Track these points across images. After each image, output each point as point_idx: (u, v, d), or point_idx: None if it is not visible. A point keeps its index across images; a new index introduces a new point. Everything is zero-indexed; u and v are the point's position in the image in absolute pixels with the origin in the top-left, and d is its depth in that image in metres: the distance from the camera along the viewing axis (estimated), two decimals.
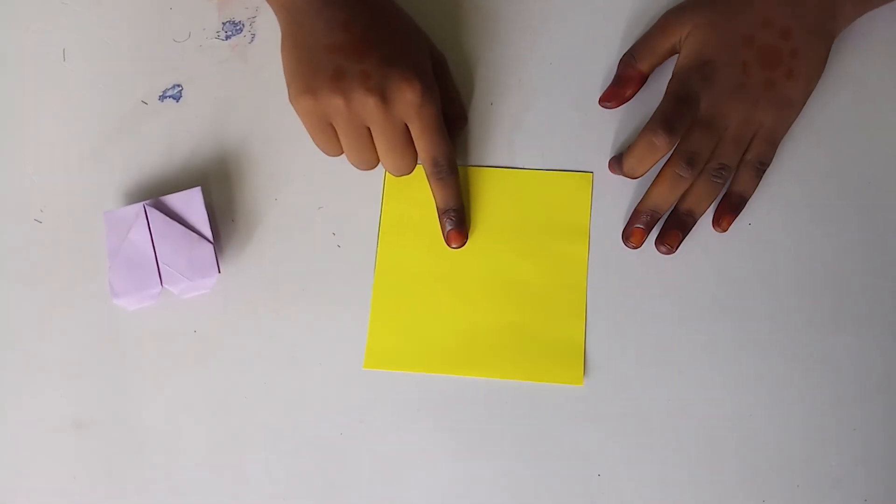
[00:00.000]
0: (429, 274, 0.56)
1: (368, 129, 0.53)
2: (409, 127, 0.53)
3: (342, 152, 0.55)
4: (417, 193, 0.57)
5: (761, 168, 0.55)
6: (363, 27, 0.52)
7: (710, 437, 0.54)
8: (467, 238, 0.57)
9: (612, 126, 0.59)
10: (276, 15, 0.55)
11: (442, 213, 0.56)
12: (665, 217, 0.56)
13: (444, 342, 0.55)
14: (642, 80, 0.58)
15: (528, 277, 0.56)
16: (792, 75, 0.55)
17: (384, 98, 0.51)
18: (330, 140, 0.54)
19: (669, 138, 0.53)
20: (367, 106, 0.51)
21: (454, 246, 0.56)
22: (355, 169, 0.56)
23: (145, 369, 0.56)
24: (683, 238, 0.56)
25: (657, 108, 0.55)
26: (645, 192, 0.56)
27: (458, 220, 0.56)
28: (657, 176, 0.55)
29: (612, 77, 0.59)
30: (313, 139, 0.54)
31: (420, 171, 0.57)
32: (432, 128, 0.53)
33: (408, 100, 0.51)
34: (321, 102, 0.51)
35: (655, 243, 0.56)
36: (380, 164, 0.55)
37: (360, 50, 0.51)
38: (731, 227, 0.56)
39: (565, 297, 0.56)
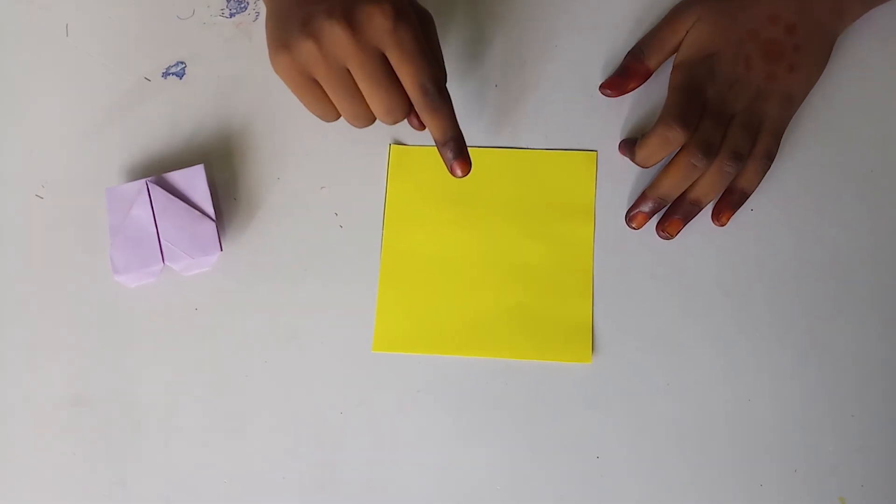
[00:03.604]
0: (435, 256, 0.56)
1: (350, 74, 0.49)
2: (388, 55, 0.49)
3: (338, 115, 0.52)
4: (421, 176, 0.57)
5: (767, 163, 0.55)
6: None
7: (708, 422, 0.54)
8: (471, 165, 0.52)
9: (616, 108, 0.58)
10: None
11: (441, 145, 0.51)
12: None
13: (452, 324, 0.55)
14: (647, 75, 0.58)
15: (535, 258, 0.56)
16: (794, 69, 0.55)
17: (351, 24, 0.47)
18: (318, 98, 0.51)
19: (685, 132, 0.53)
20: (336, 36, 0.47)
21: (460, 175, 0.52)
22: (359, 149, 0.56)
23: (146, 346, 0.56)
24: (685, 226, 0.56)
25: (668, 102, 0.55)
26: (655, 177, 0.56)
27: (459, 148, 0.51)
28: (670, 164, 0.55)
29: (618, 66, 0.58)
30: (302, 102, 0.51)
31: (422, 154, 0.56)
32: (412, 51, 0.48)
33: (378, 23, 0.48)
34: (294, 53, 0.48)
35: (656, 228, 0.56)
36: (377, 121, 0.53)
37: None
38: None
39: (572, 277, 0.56)
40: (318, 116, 0.52)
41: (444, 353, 0.55)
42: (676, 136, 0.53)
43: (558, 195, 0.57)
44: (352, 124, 0.52)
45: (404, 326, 0.55)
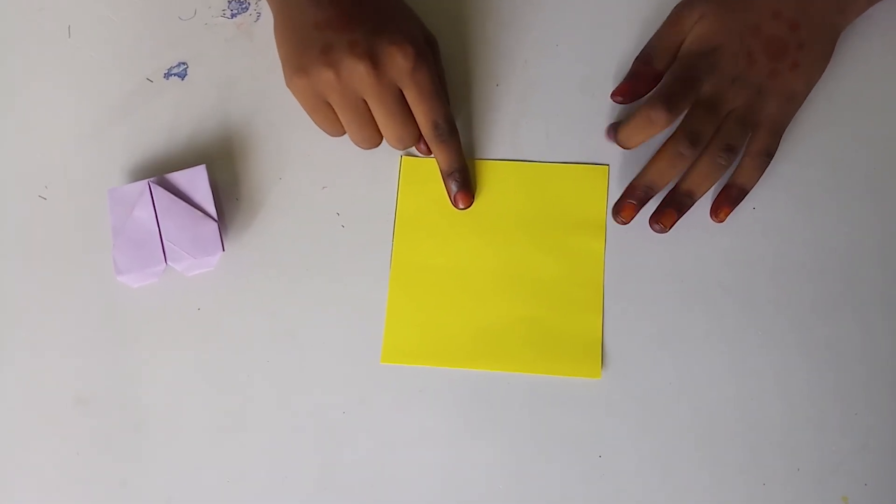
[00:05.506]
0: (445, 269, 0.56)
1: (365, 102, 0.52)
2: (405, 93, 0.52)
3: (344, 132, 0.55)
4: (432, 189, 0.57)
5: (766, 159, 0.55)
6: (351, 1, 0.51)
7: (711, 421, 0.54)
8: (474, 197, 0.57)
9: (619, 109, 0.58)
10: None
11: (447, 176, 0.56)
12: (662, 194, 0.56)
13: (461, 337, 0.55)
14: (658, 78, 0.58)
15: (545, 272, 0.56)
16: (797, 67, 0.55)
17: (374, 63, 0.50)
18: (329, 119, 0.54)
19: (668, 115, 0.53)
20: (358, 73, 0.50)
21: (462, 207, 0.56)
22: (361, 149, 0.56)
23: (148, 346, 0.56)
24: (679, 218, 0.55)
25: (659, 85, 0.55)
26: (643, 167, 0.56)
27: (464, 181, 0.56)
28: (658, 152, 0.55)
29: (626, 72, 0.58)
30: (313, 119, 0.54)
31: (433, 166, 0.56)
32: (428, 91, 0.52)
33: (399, 64, 0.51)
34: (313, 79, 0.51)
35: (650, 221, 0.56)
36: (384, 142, 0.55)
37: (348, 22, 0.51)
38: (729, 217, 0.56)
39: (582, 291, 0.55)
40: (324, 131, 0.55)
41: (451, 366, 0.55)
42: (659, 117, 0.53)
43: (570, 209, 0.57)
44: (357, 145, 0.55)
45: (413, 338, 0.55)
